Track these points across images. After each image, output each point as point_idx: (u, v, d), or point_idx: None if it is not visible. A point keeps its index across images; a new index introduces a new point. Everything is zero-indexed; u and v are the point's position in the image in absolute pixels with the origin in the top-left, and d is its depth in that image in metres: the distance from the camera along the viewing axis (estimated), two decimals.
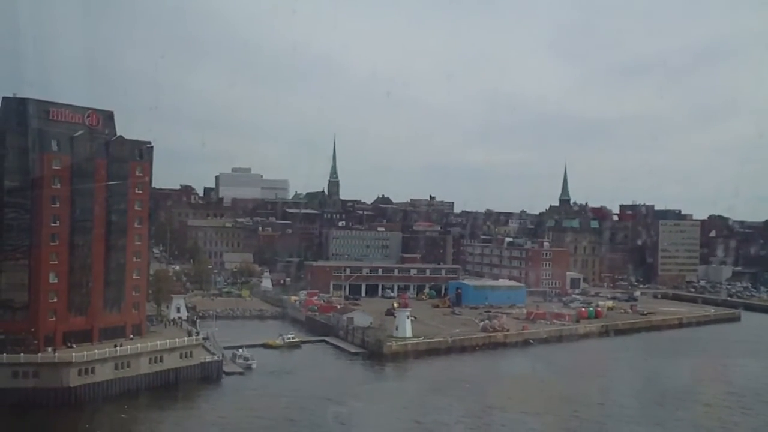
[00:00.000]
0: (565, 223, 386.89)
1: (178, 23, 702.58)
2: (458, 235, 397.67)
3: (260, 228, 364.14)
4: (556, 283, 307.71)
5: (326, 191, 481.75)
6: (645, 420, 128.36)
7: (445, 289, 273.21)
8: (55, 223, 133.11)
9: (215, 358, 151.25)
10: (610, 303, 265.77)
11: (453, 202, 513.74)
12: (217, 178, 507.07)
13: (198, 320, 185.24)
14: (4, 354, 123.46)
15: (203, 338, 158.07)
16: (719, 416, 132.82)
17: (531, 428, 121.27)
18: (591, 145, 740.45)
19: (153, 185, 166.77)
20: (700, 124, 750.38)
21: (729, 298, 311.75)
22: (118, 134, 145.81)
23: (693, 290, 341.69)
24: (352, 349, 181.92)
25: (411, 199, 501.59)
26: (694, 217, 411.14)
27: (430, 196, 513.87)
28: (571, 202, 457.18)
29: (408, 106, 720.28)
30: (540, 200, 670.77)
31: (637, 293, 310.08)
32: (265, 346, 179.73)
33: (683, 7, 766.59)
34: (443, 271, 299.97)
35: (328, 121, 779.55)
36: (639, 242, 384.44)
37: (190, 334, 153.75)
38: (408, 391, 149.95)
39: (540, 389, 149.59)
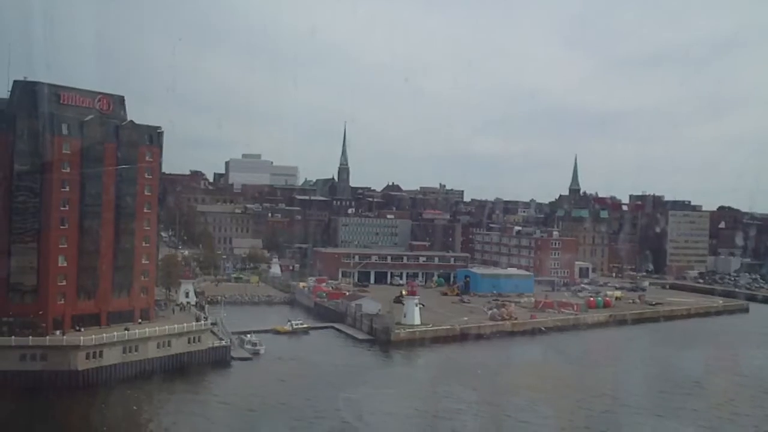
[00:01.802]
0: (575, 212, 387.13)
1: (193, 6, 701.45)
2: (468, 223, 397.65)
3: (270, 214, 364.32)
4: (564, 273, 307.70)
5: (336, 178, 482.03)
6: (654, 409, 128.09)
7: (454, 277, 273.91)
8: (64, 206, 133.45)
9: (223, 343, 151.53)
10: (618, 293, 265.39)
11: (463, 191, 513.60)
12: (227, 163, 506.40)
13: (206, 305, 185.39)
14: (13, 337, 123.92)
15: (211, 323, 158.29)
16: (728, 406, 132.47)
17: (543, 415, 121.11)
18: (602, 135, 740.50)
19: (163, 170, 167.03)
20: (713, 115, 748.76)
21: (737, 289, 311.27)
22: (128, 119, 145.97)
23: (701, 281, 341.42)
24: (360, 336, 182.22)
25: (421, 187, 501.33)
26: (704, 209, 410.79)
27: (440, 184, 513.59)
28: (581, 192, 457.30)
29: (420, 95, 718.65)
30: (550, 190, 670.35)
31: (646, 283, 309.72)
32: (273, 332, 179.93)
33: None
34: (452, 259, 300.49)
35: (339, 108, 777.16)
36: (648, 233, 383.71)
37: (198, 319, 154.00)
38: (416, 378, 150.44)
39: (549, 377, 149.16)
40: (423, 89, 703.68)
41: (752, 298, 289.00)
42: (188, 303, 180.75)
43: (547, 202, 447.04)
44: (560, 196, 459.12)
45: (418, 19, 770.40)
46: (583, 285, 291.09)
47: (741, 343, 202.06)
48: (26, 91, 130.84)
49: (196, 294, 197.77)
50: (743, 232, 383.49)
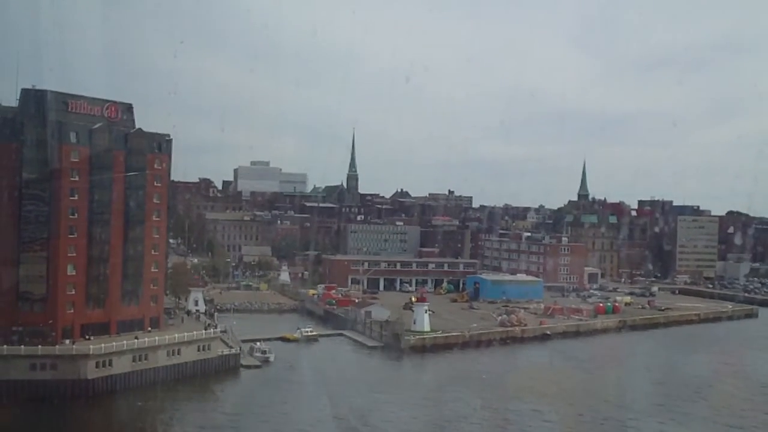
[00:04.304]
0: (584, 218, 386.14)
1: (197, 11, 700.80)
2: (476, 229, 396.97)
3: (278, 221, 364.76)
4: (573, 278, 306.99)
5: (345, 185, 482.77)
6: (661, 413, 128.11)
7: (463, 284, 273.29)
8: (73, 215, 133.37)
9: (233, 351, 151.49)
10: (627, 298, 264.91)
11: (471, 197, 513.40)
12: (235, 171, 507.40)
13: (216, 313, 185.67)
14: (22, 346, 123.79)
15: (221, 331, 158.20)
16: (736, 410, 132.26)
17: (547, 420, 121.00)
18: (610, 139, 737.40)
19: (171, 178, 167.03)
20: (719, 119, 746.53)
21: (746, 294, 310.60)
22: (137, 126, 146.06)
23: (710, 286, 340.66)
24: (370, 343, 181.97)
25: (430, 194, 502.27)
26: (712, 213, 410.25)
27: (449, 190, 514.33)
28: (590, 197, 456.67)
29: (427, 99, 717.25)
30: (559, 195, 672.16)
31: (655, 289, 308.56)
32: (282, 339, 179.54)
33: (704, 0, 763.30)
34: (461, 266, 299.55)
35: (347, 115, 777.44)
36: (657, 238, 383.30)
37: (207, 327, 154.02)
38: (426, 384, 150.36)
39: (557, 382, 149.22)
40: (428, 93, 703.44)
41: (762, 303, 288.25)
42: (197, 311, 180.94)
43: (555, 208, 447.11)
44: (569, 201, 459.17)
45: (422, 22, 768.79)
46: (592, 291, 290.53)
47: (750, 348, 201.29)
48: (34, 99, 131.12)
49: (206, 302, 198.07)
50: (752, 237, 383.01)
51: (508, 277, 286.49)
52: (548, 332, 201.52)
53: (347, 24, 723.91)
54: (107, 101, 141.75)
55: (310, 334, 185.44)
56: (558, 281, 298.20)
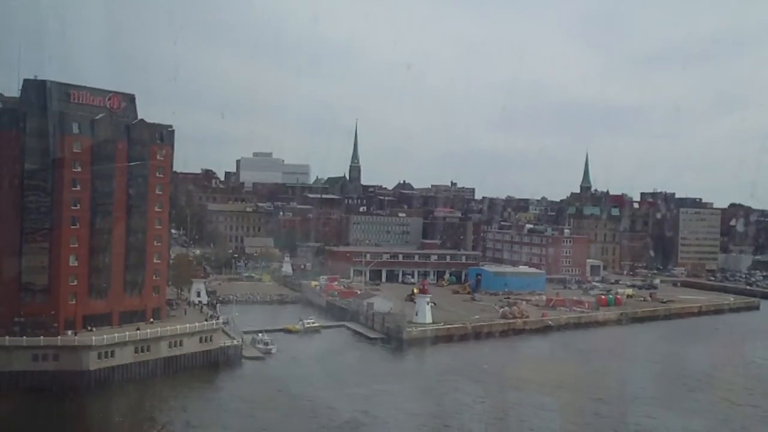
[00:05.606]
0: (586, 210, 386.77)
1: (198, 4, 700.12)
2: (479, 221, 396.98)
3: (281, 213, 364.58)
4: (576, 270, 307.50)
5: (347, 176, 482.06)
6: (662, 403, 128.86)
7: (466, 275, 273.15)
8: (75, 206, 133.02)
9: (235, 342, 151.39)
10: (629, 290, 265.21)
11: (474, 188, 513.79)
12: (238, 162, 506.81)
13: (218, 305, 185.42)
14: (24, 337, 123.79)
15: (223, 323, 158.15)
16: (736, 401, 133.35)
17: (549, 409, 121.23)
18: (612, 132, 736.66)
19: (174, 169, 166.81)
20: (721, 112, 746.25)
21: (747, 287, 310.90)
22: (139, 117, 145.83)
23: (713, 279, 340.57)
24: (372, 335, 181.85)
25: (432, 185, 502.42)
26: (714, 206, 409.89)
27: (452, 182, 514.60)
28: (592, 189, 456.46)
29: (428, 90, 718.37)
30: (561, 187, 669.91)
31: (657, 281, 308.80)
32: (284, 330, 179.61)
33: None
34: (463, 257, 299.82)
35: (349, 106, 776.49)
36: (659, 230, 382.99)
37: (209, 318, 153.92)
38: (427, 375, 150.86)
39: (558, 373, 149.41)
40: (429, 83, 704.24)
41: (763, 295, 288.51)
42: (200, 302, 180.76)
43: (558, 200, 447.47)
44: (571, 193, 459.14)
45: (423, 12, 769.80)
46: (594, 283, 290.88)
47: (751, 340, 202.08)
48: (36, 90, 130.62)
49: (208, 293, 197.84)
50: (755, 229, 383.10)
51: (510, 268, 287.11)
52: (550, 324, 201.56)
53: (349, 13, 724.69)
54: (109, 92, 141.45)
55: (312, 325, 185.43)
56: (560, 273, 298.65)
